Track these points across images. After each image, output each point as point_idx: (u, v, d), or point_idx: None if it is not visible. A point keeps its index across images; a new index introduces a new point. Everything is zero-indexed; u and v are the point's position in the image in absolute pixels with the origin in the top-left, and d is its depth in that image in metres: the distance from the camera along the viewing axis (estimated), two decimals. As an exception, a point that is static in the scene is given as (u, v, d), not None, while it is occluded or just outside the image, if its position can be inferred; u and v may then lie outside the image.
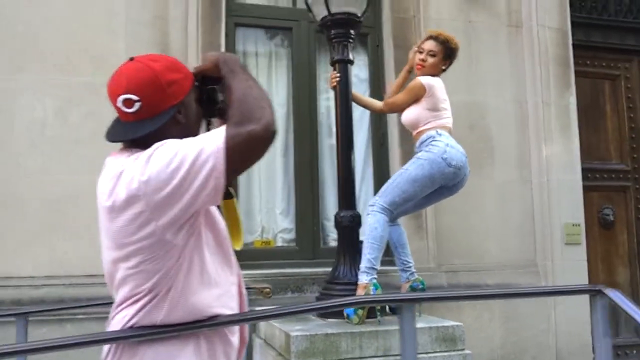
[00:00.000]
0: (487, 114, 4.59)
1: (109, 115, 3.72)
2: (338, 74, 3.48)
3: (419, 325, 3.11)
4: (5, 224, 3.65)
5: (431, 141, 3.27)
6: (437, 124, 3.34)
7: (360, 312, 3.14)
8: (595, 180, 5.06)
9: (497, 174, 4.57)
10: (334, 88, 3.52)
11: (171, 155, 1.34)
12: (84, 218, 3.70)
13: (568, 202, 4.67)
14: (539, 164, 4.65)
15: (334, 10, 3.46)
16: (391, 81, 3.98)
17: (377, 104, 3.71)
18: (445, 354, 3.10)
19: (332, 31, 3.52)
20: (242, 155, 1.34)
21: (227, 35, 4.17)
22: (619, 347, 4.89)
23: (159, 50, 3.94)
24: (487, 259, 4.47)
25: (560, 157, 4.69)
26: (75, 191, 3.73)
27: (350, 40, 3.55)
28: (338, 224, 3.48)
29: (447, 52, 3.43)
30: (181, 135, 1.43)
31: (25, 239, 3.66)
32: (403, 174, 3.25)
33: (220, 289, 1.55)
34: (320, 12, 3.55)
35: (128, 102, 1.45)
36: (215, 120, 1.63)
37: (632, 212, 5.24)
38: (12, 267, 3.61)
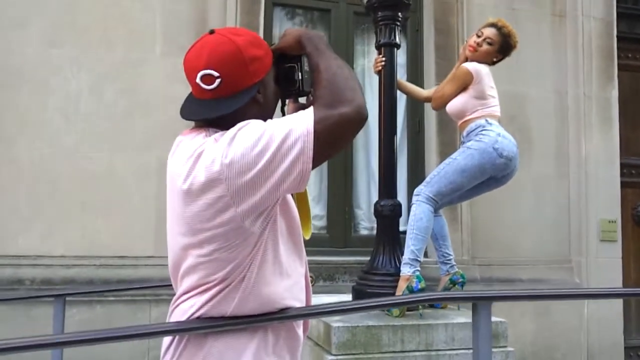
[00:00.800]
0: (527, 104, 4.47)
1: (144, 92, 3.70)
2: (383, 58, 3.36)
3: (461, 320, 3.06)
4: (38, 202, 3.59)
5: (481, 130, 3.16)
6: (486, 112, 3.23)
7: (401, 305, 3.05)
8: (631, 177, 4.94)
9: (535, 167, 4.46)
10: (379, 73, 3.40)
11: (257, 137, 1.24)
12: (116, 197, 3.64)
13: (605, 198, 4.57)
14: (578, 158, 4.54)
15: (382, -9, 3.34)
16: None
17: (424, 93, 3.60)
18: (488, 350, 3.02)
19: (379, 13, 3.40)
20: (331, 138, 1.25)
21: (265, 14, 4.04)
22: (631, 348, 4.78)
23: (196, 28, 3.84)
24: (521, 253, 4.37)
25: (599, 151, 4.57)
26: (108, 169, 3.66)
27: (398, 23, 3.41)
28: (378, 213, 3.38)
29: (504, 46, 3.31)
30: (259, 117, 1.35)
31: (58, 217, 3.59)
32: (451, 164, 3.14)
33: (291, 280, 1.47)
34: (369, -6, 3.43)
35: (208, 79, 1.34)
36: (289, 102, 1.55)
37: (667, 210, 5.12)
38: (44, 246, 3.55)
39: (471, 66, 3.23)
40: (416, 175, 4.28)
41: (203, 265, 1.35)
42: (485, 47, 3.28)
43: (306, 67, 1.43)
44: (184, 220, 1.34)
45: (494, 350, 3.02)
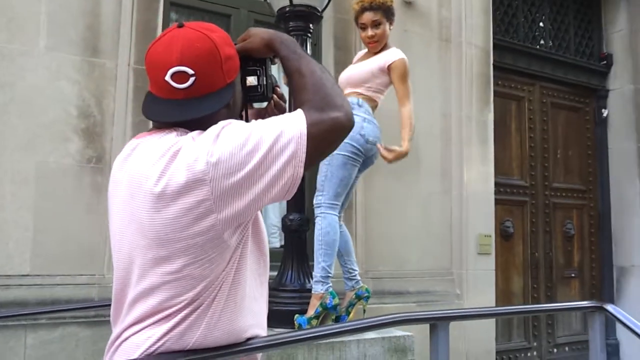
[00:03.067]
0: (417, 124, 4.63)
1: (24, 88, 3.28)
2: None
3: (370, 335, 3.07)
4: None
5: None
6: (369, 93, 3.21)
7: (314, 321, 2.99)
8: (499, 194, 5.34)
9: (422, 184, 4.66)
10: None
11: (245, 137, 1.14)
12: (-14, 207, 3.16)
13: (481, 214, 4.90)
14: (459, 176, 4.82)
15: (295, 1, 3.28)
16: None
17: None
18: (397, 365, 3.07)
19: (291, 23, 3.35)
20: (324, 143, 1.20)
21: (163, 14, 3.80)
22: (499, 352, 5.15)
23: (88, 20, 3.50)
24: (409, 266, 4.53)
25: (477, 170, 4.90)
26: (-24, 175, 3.17)
27: (309, 34, 3.40)
28: (287, 228, 3.30)
29: (388, 14, 3.29)
30: (225, 118, 1.23)
31: None
32: (332, 162, 3.06)
33: (257, 305, 1.35)
34: (279, 3, 3.36)
35: (180, 76, 1.20)
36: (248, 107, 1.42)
37: (527, 225, 5.64)
38: None
39: (402, 55, 3.20)
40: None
41: (169, 285, 1.18)
42: (379, 31, 3.25)
43: (270, 72, 1.35)
44: (150, 229, 1.16)
45: (402, 364, 3.09)
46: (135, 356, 1.20)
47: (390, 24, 3.32)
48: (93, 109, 3.46)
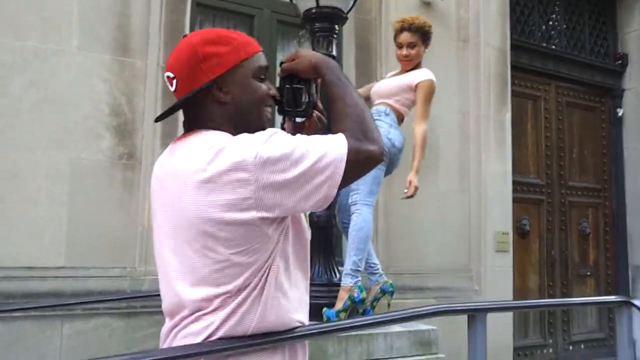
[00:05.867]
0: (435, 123, 4.70)
1: (57, 85, 3.38)
2: None
3: (397, 329, 3.14)
4: None
5: (376, 119, 3.30)
6: (397, 106, 3.39)
7: (343, 314, 3.07)
8: (516, 192, 5.38)
9: (441, 183, 4.72)
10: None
11: (293, 146, 1.23)
12: (21, 202, 3.26)
13: (499, 212, 4.95)
14: (477, 175, 4.87)
15: (322, 3, 3.36)
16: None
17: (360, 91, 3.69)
18: (422, 357, 3.14)
19: (317, 24, 3.42)
20: (356, 171, 1.30)
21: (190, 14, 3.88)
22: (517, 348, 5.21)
23: (118, 21, 3.59)
24: (428, 262, 4.59)
25: (495, 169, 4.95)
26: (12, 170, 3.26)
27: (335, 35, 3.47)
28: (313, 224, 3.36)
29: (424, 38, 3.51)
30: (229, 118, 1.35)
31: (-48, 223, 3.13)
32: None
33: (299, 292, 1.42)
34: (305, 4, 3.43)
35: (170, 81, 1.36)
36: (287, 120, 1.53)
37: (544, 223, 5.68)
38: None
39: (431, 77, 3.39)
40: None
41: (218, 273, 1.26)
42: (412, 52, 3.44)
43: (313, 91, 1.45)
44: (197, 222, 1.24)
45: (428, 357, 3.16)
46: (198, 341, 1.27)
47: (426, 46, 3.53)
48: (124, 107, 3.55)
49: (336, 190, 1.24)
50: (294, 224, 1.38)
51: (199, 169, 1.23)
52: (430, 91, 3.38)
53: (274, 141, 1.23)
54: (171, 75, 1.34)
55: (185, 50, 1.34)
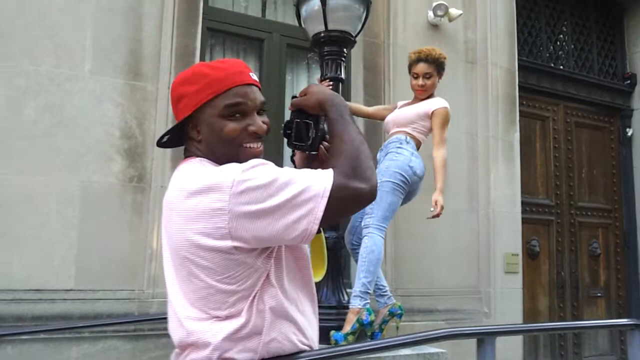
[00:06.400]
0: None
1: (70, 109, 3.43)
2: (331, 83, 3.40)
3: (405, 352, 3.12)
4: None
5: (398, 147, 3.41)
6: (415, 134, 3.48)
7: (351, 337, 3.06)
8: (525, 213, 5.36)
9: (450, 203, 4.67)
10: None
11: (273, 177, 1.24)
12: (33, 224, 3.29)
13: (509, 233, 4.93)
14: (486, 195, 4.87)
15: (330, 27, 3.40)
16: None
17: (369, 110, 3.91)
18: (431, 381, 3.11)
19: (326, 48, 3.47)
20: (342, 208, 1.29)
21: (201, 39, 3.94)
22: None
23: (130, 46, 3.65)
24: (437, 284, 4.57)
25: (504, 189, 4.94)
26: (24, 194, 3.30)
27: (343, 59, 3.51)
28: (322, 246, 3.38)
29: (439, 69, 3.58)
30: (206, 153, 1.38)
31: (-37, 245, 3.17)
32: (381, 187, 3.24)
33: (305, 317, 1.43)
34: (314, 28, 3.48)
35: None
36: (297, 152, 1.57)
37: (553, 244, 5.65)
38: (-54, 277, 3.11)
39: (446, 105, 3.51)
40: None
41: (206, 299, 1.28)
42: (428, 82, 3.50)
43: (321, 126, 1.48)
44: (181, 248, 1.28)
45: (436, 380, 3.13)
46: None
47: (440, 77, 3.61)
48: (135, 130, 3.60)
49: (317, 226, 1.22)
50: (292, 250, 1.40)
51: (181, 196, 1.27)
52: (446, 118, 3.49)
53: (254, 172, 1.24)
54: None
55: (171, 89, 1.46)
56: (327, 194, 1.22)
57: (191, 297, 1.30)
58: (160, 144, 1.48)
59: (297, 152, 1.58)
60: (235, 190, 1.21)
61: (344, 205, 1.27)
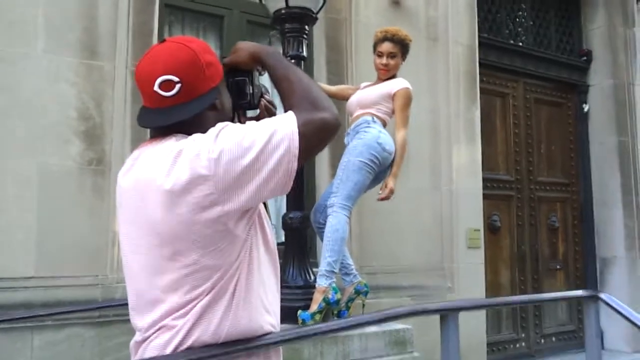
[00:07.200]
0: (406, 121, 4.74)
1: (25, 89, 3.30)
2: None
3: (371, 329, 3.16)
4: None
5: (365, 127, 3.40)
6: (380, 114, 3.47)
7: (318, 316, 3.07)
8: (486, 189, 5.45)
9: (412, 181, 4.74)
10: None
11: (241, 136, 1.25)
12: (-13, 210, 3.18)
13: (470, 209, 5.02)
14: (448, 172, 4.93)
15: (291, 3, 3.35)
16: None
17: (331, 88, 3.85)
18: (398, 356, 3.16)
19: (287, 25, 3.43)
20: (314, 141, 1.30)
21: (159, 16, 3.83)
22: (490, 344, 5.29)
23: (85, 23, 3.53)
24: (402, 261, 4.62)
25: (465, 166, 5.02)
26: (-23, 178, 3.18)
27: (305, 36, 3.47)
28: (287, 226, 3.38)
29: (404, 50, 3.57)
30: (218, 122, 1.33)
31: None
32: (348, 166, 3.28)
33: (271, 296, 1.43)
34: (275, 4, 3.42)
35: (167, 85, 1.31)
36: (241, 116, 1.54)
37: (514, 219, 5.78)
38: None
39: (407, 85, 3.49)
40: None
41: (187, 277, 1.26)
42: (392, 62, 3.49)
43: (256, 82, 1.48)
44: (164, 227, 1.25)
45: (404, 356, 3.19)
46: (168, 351, 1.27)
47: (403, 59, 3.61)
48: (92, 111, 3.49)
49: (296, 163, 1.25)
50: (260, 230, 1.39)
51: (161, 174, 1.24)
52: (407, 98, 3.47)
53: (224, 133, 1.25)
54: (175, 79, 1.30)
55: (186, 55, 1.33)
56: (296, 130, 1.25)
57: (171, 276, 1.27)
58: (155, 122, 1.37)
59: (240, 115, 1.53)
60: (213, 155, 1.21)
61: (315, 138, 1.29)
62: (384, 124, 3.50)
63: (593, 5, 6.53)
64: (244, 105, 1.47)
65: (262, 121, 1.30)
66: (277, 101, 1.56)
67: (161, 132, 1.36)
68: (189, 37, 1.43)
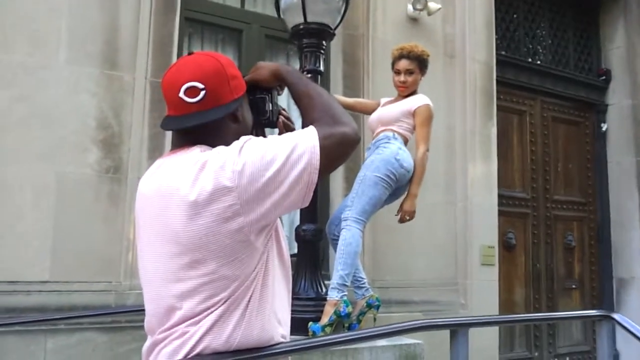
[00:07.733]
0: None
1: (44, 99, 3.37)
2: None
3: (382, 343, 3.15)
4: None
5: (385, 142, 3.39)
6: (401, 131, 3.48)
7: (328, 329, 3.08)
8: (502, 206, 5.42)
9: (427, 196, 4.71)
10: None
11: (265, 148, 1.28)
12: (7, 215, 3.24)
13: (485, 225, 4.99)
14: (463, 188, 4.92)
15: (309, 19, 3.40)
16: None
17: (348, 100, 3.88)
18: (408, 372, 3.14)
19: (305, 40, 3.47)
20: (335, 155, 1.33)
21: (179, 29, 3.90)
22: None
23: (106, 35, 3.60)
24: (414, 276, 4.61)
25: (481, 183, 5.00)
26: (-1, 184, 3.25)
27: (322, 51, 3.51)
28: (300, 238, 3.39)
29: (421, 66, 3.58)
30: (238, 135, 1.38)
31: None
32: (364, 180, 3.30)
33: (283, 307, 1.45)
34: (293, 20, 3.47)
35: (192, 91, 1.36)
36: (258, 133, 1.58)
37: (529, 237, 5.74)
38: None
39: (428, 102, 3.50)
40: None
41: (205, 286, 1.28)
42: (410, 79, 3.50)
43: (276, 100, 1.54)
44: (186, 236, 1.27)
45: (412, 370, 3.16)
46: (180, 357, 1.30)
47: (422, 74, 3.61)
48: (111, 121, 3.56)
49: (317, 176, 1.27)
50: (276, 243, 1.42)
51: (186, 184, 1.27)
52: (428, 116, 3.49)
53: (248, 146, 1.29)
54: (200, 85, 1.35)
55: (213, 66, 1.38)
56: (317, 144, 1.28)
57: (188, 284, 1.29)
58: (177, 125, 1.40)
59: (258, 131, 1.57)
60: (237, 167, 1.24)
61: (335, 152, 1.32)
62: (406, 141, 3.50)
63: (613, 25, 6.51)
64: (263, 122, 1.52)
65: (284, 135, 1.34)
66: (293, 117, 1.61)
67: (184, 142, 1.39)
68: (216, 53, 1.50)
